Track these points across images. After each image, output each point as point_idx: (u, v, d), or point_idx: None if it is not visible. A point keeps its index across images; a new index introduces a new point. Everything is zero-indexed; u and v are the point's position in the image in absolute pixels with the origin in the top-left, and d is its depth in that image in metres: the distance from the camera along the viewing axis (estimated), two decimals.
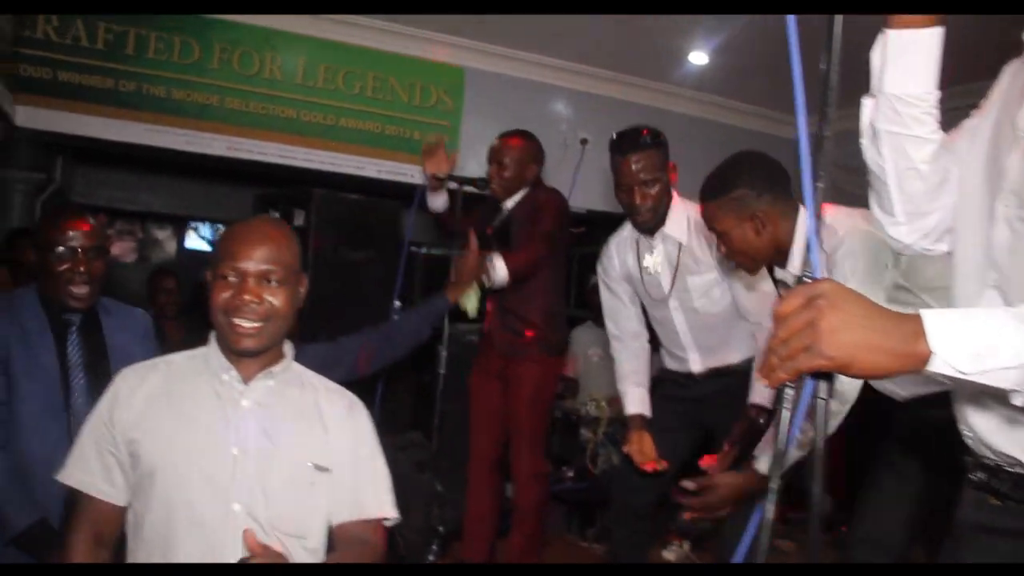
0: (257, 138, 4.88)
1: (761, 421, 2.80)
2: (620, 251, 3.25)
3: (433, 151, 3.81)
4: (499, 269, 3.42)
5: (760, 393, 2.85)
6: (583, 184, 5.29)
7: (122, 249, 10.21)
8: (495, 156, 3.70)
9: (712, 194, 2.40)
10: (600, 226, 7.72)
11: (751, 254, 2.40)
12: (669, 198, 3.05)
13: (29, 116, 4.42)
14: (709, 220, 2.44)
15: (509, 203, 3.72)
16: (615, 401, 4.89)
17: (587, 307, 6.08)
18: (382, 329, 3.22)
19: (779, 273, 2.49)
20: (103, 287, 2.43)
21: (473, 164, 4.93)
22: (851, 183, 6.24)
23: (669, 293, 3.10)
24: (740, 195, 2.34)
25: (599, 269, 3.34)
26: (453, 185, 3.75)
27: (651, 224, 3.05)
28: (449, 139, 5.23)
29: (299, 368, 1.87)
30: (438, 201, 3.83)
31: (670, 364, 3.32)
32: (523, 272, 3.52)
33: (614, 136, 3.03)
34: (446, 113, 5.30)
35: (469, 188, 3.68)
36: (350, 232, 4.18)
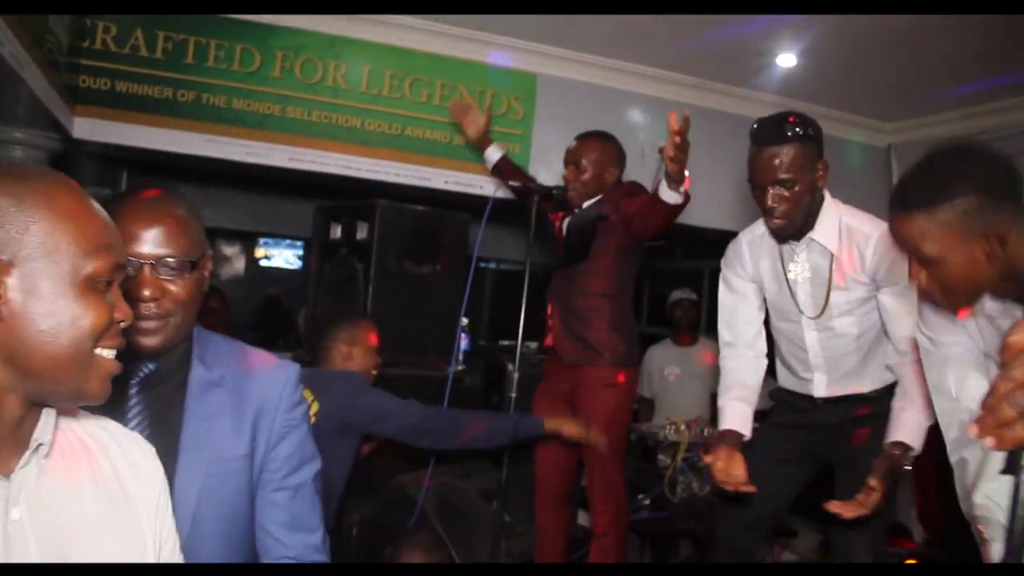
0: (319, 148, 4.68)
1: (905, 465, 2.43)
2: (753, 250, 2.86)
3: (465, 109, 3.62)
4: (667, 192, 3.10)
5: (906, 430, 2.46)
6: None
7: None
8: (572, 158, 3.44)
9: (922, 203, 1.75)
10: (678, 240, 7.44)
11: (972, 286, 1.79)
12: (815, 201, 2.63)
13: (87, 128, 4.29)
14: (913, 239, 1.78)
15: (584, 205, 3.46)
16: (694, 424, 4.60)
17: (664, 323, 5.80)
18: (492, 421, 3.21)
19: (988, 307, 1.91)
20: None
21: (545, 173, 4.68)
22: None
23: (812, 309, 2.72)
24: (968, 205, 1.70)
25: (723, 264, 2.96)
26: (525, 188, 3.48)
27: (785, 232, 2.65)
28: (520, 148, 5.00)
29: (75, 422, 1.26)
30: (492, 153, 3.64)
31: (787, 382, 2.94)
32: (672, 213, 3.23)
33: (754, 124, 2.65)
34: (517, 121, 5.05)
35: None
36: (415, 245, 3.97)
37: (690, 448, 4.44)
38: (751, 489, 2.69)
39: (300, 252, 10.45)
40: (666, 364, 5.68)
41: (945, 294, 1.81)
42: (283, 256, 10.69)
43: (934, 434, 2.27)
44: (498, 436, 3.05)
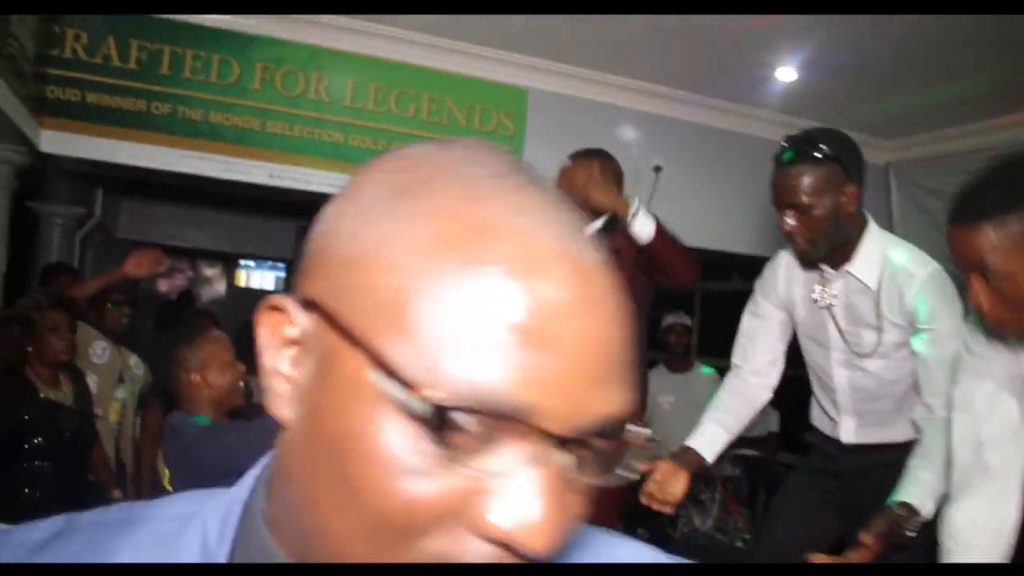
0: (302, 164, 4.49)
1: (907, 530, 2.19)
2: (790, 273, 2.59)
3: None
4: (642, 224, 2.92)
5: (918, 492, 2.22)
6: (657, 214, 4.79)
7: (171, 287, 9.98)
8: (566, 177, 3.23)
9: (991, 213, 1.58)
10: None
11: None
12: (849, 229, 2.37)
13: (55, 141, 4.07)
14: (979, 253, 1.61)
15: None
16: None
17: (658, 349, 5.60)
18: None
19: None
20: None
21: None
22: (941, 209, 5.59)
23: (842, 346, 2.47)
24: None
25: (756, 286, 2.69)
26: None
27: (809, 259, 2.41)
28: None
29: None
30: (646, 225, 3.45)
31: (818, 421, 2.72)
32: (675, 260, 3.10)
33: (784, 138, 2.38)
34: (507, 138, 4.87)
35: None
36: None
37: (692, 480, 4.24)
38: (668, 512, 2.49)
39: (284, 275, 10.25)
40: (659, 392, 5.48)
41: (1012, 313, 1.62)
42: (265, 278, 10.48)
43: None
44: None
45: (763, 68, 4.70)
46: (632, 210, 3.00)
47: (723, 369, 2.87)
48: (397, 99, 4.66)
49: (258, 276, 10.40)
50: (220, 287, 10.52)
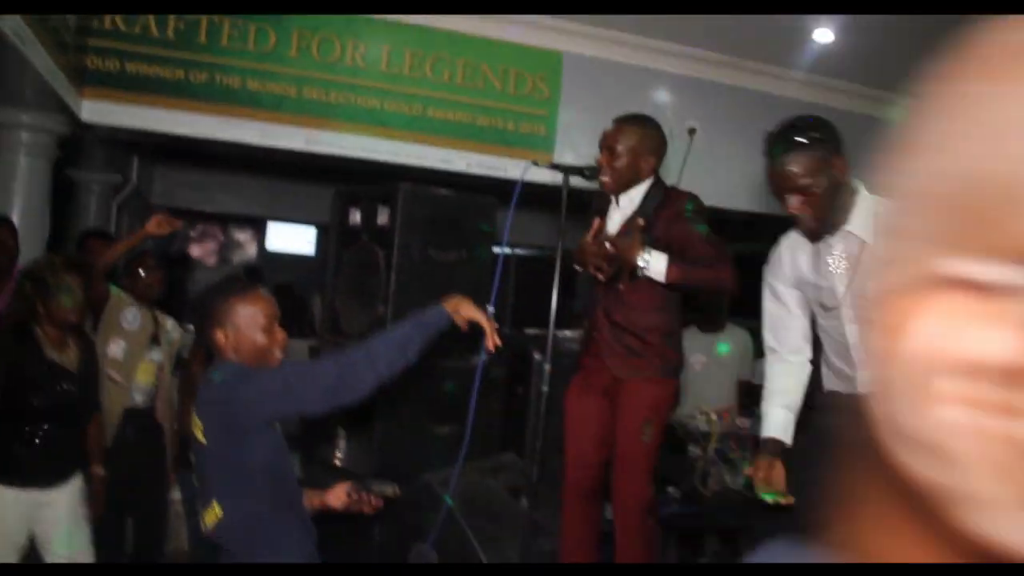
0: (337, 130, 4.51)
1: None
2: (792, 251, 2.77)
3: None
4: (655, 263, 2.95)
5: None
6: (691, 177, 4.78)
7: (203, 252, 10.06)
8: (607, 142, 3.22)
9: None
10: (711, 224, 7.25)
11: None
12: (844, 195, 2.55)
13: (96, 111, 4.12)
14: None
15: (625, 202, 3.25)
16: (726, 414, 4.42)
17: (690, 310, 5.62)
18: (391, 332, 2.44)
19: None
20: None
21: (570, 156, 4.48)
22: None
23: (842, 299, 2.63)
24: None
25: (765, 272, 2.87)
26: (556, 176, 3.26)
27: (818, 232, 2.59)
28: (545, 130, 4.82)
29: None
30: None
31: (832, 383, 2.82)
32: (704, 283, 3.14)
33: (764, 138, 2.57)
34: (542, 101, 4.86)
35: (576, 178, 3.19)
36: (439, 231, 3.76)
37: (721, 439, 4.27)
38: (789, 501, 2.63)
39: (313, 238, 10.28)
40: (691, 352, 5.49)
41: None
42: (296, 241, 10.51)
43: None
44: (408, 343, 2.45)
45: (801, 30, 4.66)
46: (642, 264, 3.00)
47: (754, 330, 2.97)
48: (432, 65, 4.66)
49: (288, 239, 10.44)
50: (251, 250, 10.59)
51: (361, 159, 4.59)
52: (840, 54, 4.92)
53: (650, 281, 3.14)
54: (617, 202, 3.26)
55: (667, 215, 3.14)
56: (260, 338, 2.36)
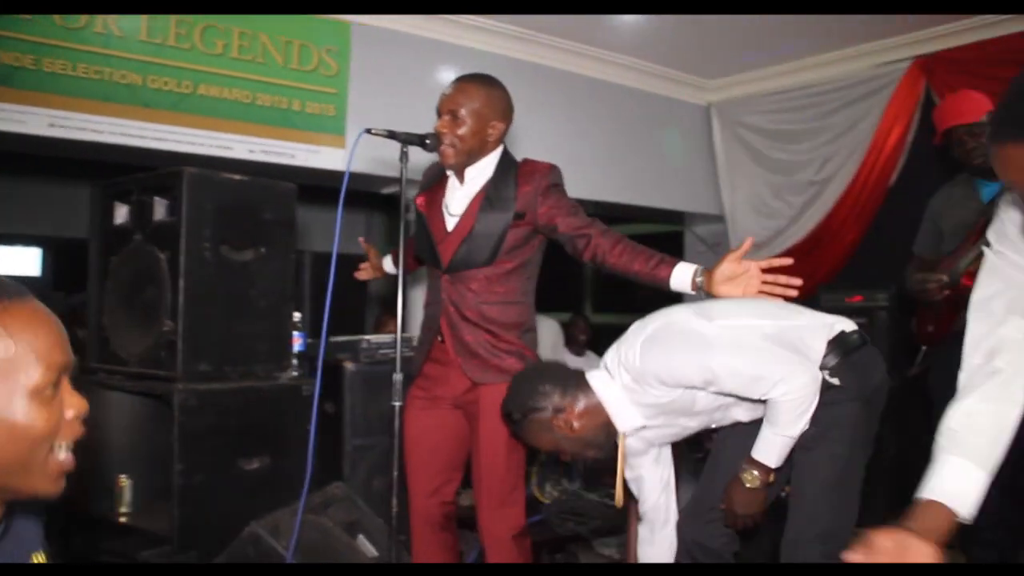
0: (89, 111, 3.74)
1: None
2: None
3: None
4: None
5: None
6: None
7: None
8: (448, 105, 2.75)
9: None
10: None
11: None
12: None
13: None
14: None
15: (472, 175, 2.81)
16: None
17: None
18: None
19: None
20: None
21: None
22: (774, 148, 5.51)
23: None
24: None
25: (990, 236, 2.06)
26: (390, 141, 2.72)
27: None
28: (335, 109, 4.28)
29: None
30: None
31: None
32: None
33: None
34: (329, 78, 4.31)
35: (412, 146, 2.70)
36: (233, 225, 3.14)
37: None
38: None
39: (39, 255, 8.94)
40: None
41: None
42: (13, 262, 9.08)
43: None
44: None
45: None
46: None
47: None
48: (203, 34, 3.98)
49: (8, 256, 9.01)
50: None
51: (119, 145, 3.84)
52: (637, 31, 4.76)
53: (513, 270, 2.76)
54: (461, 178, 2.82)
55: (529, 191, 2.73)
56: None
